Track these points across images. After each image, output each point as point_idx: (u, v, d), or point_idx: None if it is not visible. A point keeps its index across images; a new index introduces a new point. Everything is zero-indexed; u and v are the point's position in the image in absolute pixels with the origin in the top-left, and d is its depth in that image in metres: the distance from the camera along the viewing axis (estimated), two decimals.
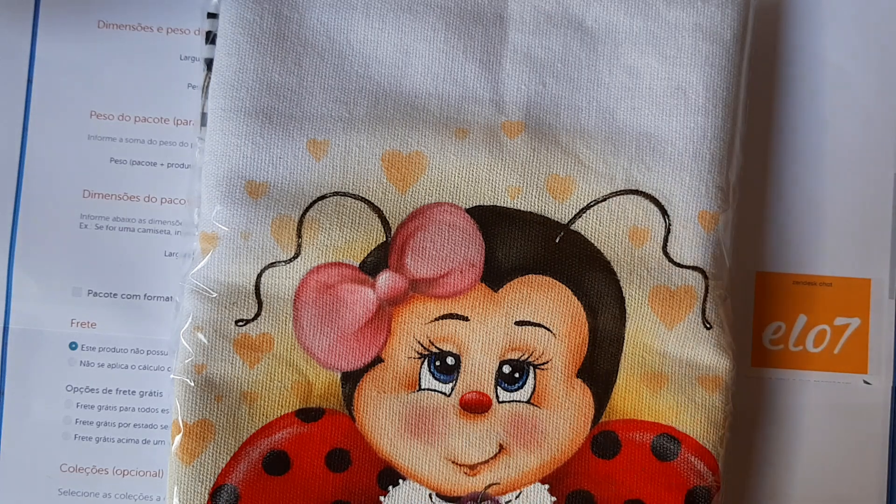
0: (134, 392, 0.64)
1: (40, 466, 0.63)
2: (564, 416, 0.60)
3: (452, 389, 0.59)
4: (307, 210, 0.60)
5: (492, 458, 0.59)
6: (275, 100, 0.60)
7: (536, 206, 0.60)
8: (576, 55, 0.61)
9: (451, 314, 0.59)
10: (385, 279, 0.59)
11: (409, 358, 0.59)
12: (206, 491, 0.58)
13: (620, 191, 0.60)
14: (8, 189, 0.64)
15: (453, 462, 0.59)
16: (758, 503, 0.64)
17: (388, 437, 0.59)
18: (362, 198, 0.60)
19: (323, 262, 0.59)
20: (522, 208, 0.60)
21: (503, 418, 0.59)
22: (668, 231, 0.60)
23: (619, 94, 0.61)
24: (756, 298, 0.65)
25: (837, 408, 0.65)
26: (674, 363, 0.60)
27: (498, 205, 0.60)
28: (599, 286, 0.60)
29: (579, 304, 0.60)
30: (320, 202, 0.60)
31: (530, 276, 0.60)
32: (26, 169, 0.64)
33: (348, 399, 0.59)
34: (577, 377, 0.60)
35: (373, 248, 0.59)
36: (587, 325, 0.60)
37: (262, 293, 0.59)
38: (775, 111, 0.65)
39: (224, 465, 0.59)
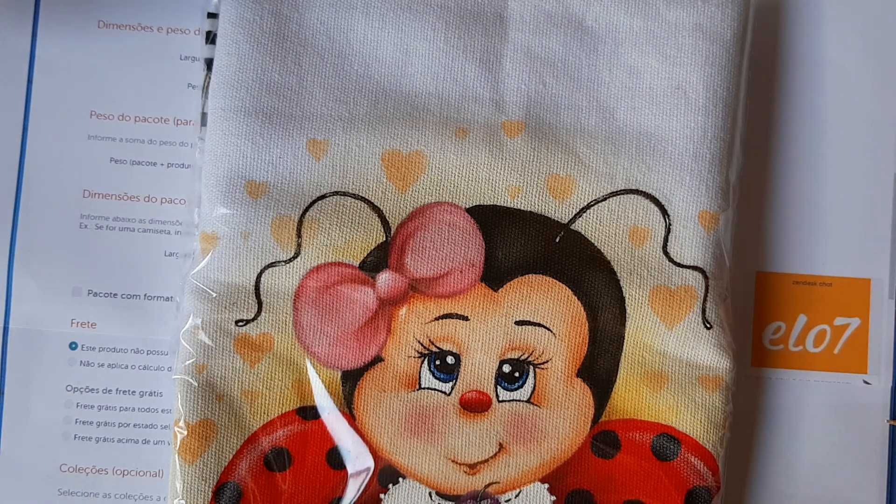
0: (134, 392, 0.64)
1: (40, 466, 0.63)
2: (564, 416, 0.60)
3: (452, 388, 0.59)
4: (307, 210, 0.60)
5: (492, 457, 0.59)
6: (275, 100, 0.60)
7: (537, 206, 0.60)
8: (576, 54, 0.61)
9: (451, 314, 0.59)
10: (385, 279, 0.59)
11: (409, 357, 0.59)
12: (210, 489, 0.58)
13: (621, 190, 0.60)
14: (8, 189, 0.64)
15: (453, 461, 0.59)
16: (758, 503, 0.64)
17: (388, 436, 0.59)
18: (362, 197, 0.60)
19: (323, 261, 0.59)
20: (523, 208, 0.60)
21: (503, 417, 0.59)
22: (668, 231, 0.60)
23: (619, 93, 0.61)
24: (756, 298, 0.65)
25: (837, 408, 0.65)
26: (674, 363, 0.60)
27: (498, 204, 0.60)
28: (599, 286, 0.60)
29: (579, 303, 0.60)
30: (320, 202, 0.60)
31: (530, 275, 0.60)
32: (26, 169, 0.64)
33: (348, 398, 0.59)
34: (577, 377, 0.60)
35: (373, 247, 0.59)
36: (587, 324, 0.60)
37: (261, 293, 0.59)
38: (775, 111, 0.65)
39: (227, 464, 0.59)
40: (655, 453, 0.60)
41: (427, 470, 0.59)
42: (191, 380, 0.59)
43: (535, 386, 0.60)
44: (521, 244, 0.60)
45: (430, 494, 0.59)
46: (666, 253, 0.60)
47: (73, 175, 0.64)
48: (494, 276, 0.59)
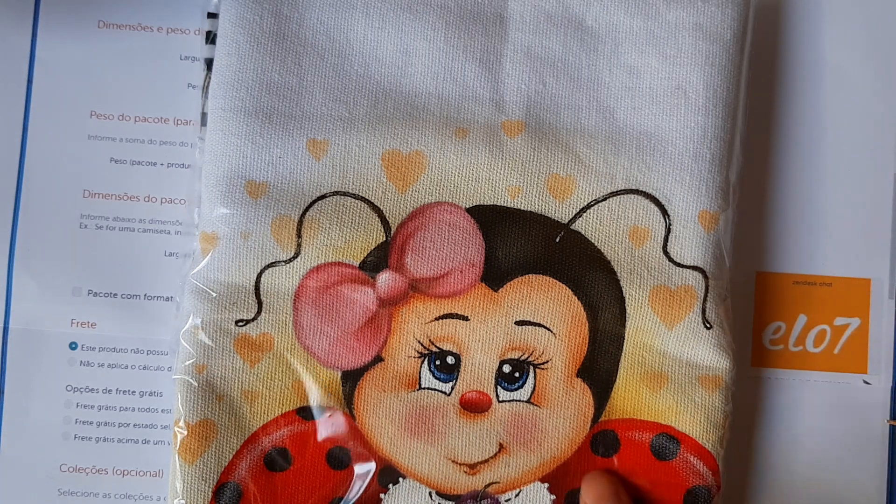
0: (134, 392, 0.64)
1: (40, 466, 0.63)
2: (564, 416, 0.60)
3: (452, 389, 0.59)
4: (307, 210, 0.60)
5: (492, 457, 0.59)
6: (275, 99, 0.60)
7: (537, 206, 0.60)
8: (576, 54, 0.61)
9: (451, 314, 0.59)
10: (385, 279, 0.59)
11: (409, 357, 0.59)
12: (210, 489, 0.59)
13: (621, 190, 0.60)
14: (8, 189, 0.64)
15: (453, 461, 0.59)
16: (758, 503, 0.64)
17: (388, 436, 0.59)
18: (362, 197, 0.60)
19: (323, 261, 0.59)
20: (523, 208, 0.60)
21: (503, 417, 0.59)
22: (668, 231, 0.60)
23: (619, 93, 0.61)
24: (756, 298, 0.65)
25: (837, 408, 0.65)
26: (674, 363, 0.60)
27: (498, 204, 0.60)
28: (599, 286, 0.60)
29: (579, 303, 0.60)
30: (320, 202, 0.60)
31: (530, 275, 0.60)
32: (26, 169, 0.64)
33: (349, 398, 0.59)
34: (577, 377, 0.60)
35: (373, 247, 0.60)
36: (587, 324, 0.60)
37: (261, 293, 0.59)
38: (775, 111, 0.66)
39: (227, 464, 0.59)
40: (655, 453, 0.60)
41: (427, 470, 0.59)
42: (191, 380, 0.59)
43: (535, 386, 0.60)
44: (521, 244, 0.60)
45: (430, 494, 0.59)
46: (666, 253, 0.60)
47: (73, 175, 0.64)
48: (494, 276, 0.59)
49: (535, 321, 0.59)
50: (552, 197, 0.60)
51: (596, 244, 0.60)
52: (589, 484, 0.59)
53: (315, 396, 0.59)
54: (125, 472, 0.63)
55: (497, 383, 0.60)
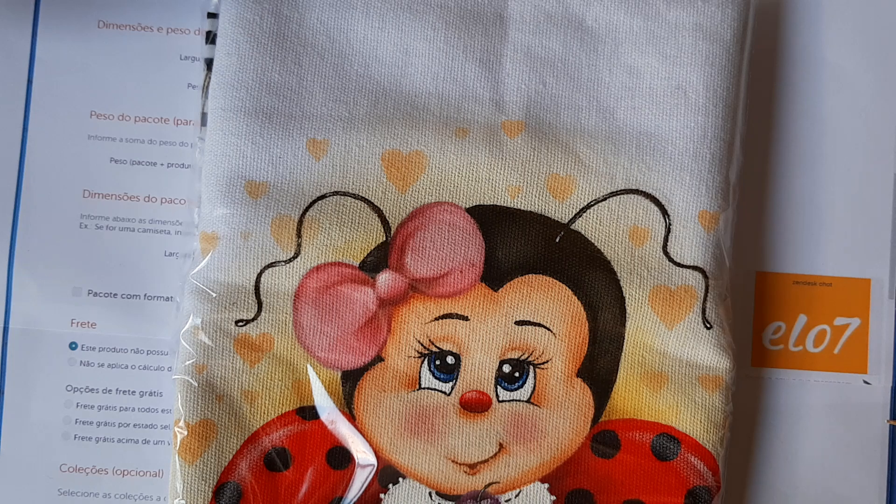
0: (134, 392, 0.64)
1: (40, 466, 0.63)
2: (564, 416, 0.60)
3: (452, 388, 0.59)
4: (307, 210, 0.60)
5: (492, 457, 0.59)
6: (275, 99, 0.60)
7: (537, 206, 0.60)
8: (576, 54, 0.61)
9: (451, 314, 0.59)
10: (385, 279, 0.59)
11: (409, 357, 0.59)
12: (210, 489, 0.58)
13: (621, 190, 0.60)
14: (8, 189, 0.64)
15: (453, 461, 0.59)
16: (758, 503, 0.64)
17: (388, 436, 0.59)
18: (362, 197, 0.60)
19: (323, 261, 0.59)
20: (523, 207, 0.60)
21: (503, 417, 0.59)
22: (668, 231, 0.60)
23: (619, 93, 0.61)
24: (756, 298, 0.65)
25: (837, 408, 0.65)
26: (674, 363, 0.60)
27: (498, 204, 0.60)
28: (599, 286, 0.60)
29: (579, 303, 0.60)
30: (320, 202, 0.60)
31: (530, 275, 0.60)
32: (26, 169, 0.64)
33: (348, 398, 0.59)
34: (577, 377, 0.60)
35: (373, 247, 0.59)
36: (587, 324, 0.60)
37: (261, 293, 0.59)
38: (775, 111, 0.65)
39: (227, 463, 0.59)
40: (655, 453, 0.60)
41: (427, 470, 0.59)
42: (191, 380, 0.59)
43: (535, 386, 0.60)
44: (521, 244, 0.60)
45: (430, 494, 0.59)
46: (666, 253, 0.60)
47: (73, 175, 0.64)
48: (494, 275, 0.59)
49: (535, 321, 0.59)
50: (552, 197, 0.60)
51: (596, 244, 0.60)
52: None
53: (315, 396, 0.59)
54: (125, 472, 0.63)
55: (497, 383, 0.60)
